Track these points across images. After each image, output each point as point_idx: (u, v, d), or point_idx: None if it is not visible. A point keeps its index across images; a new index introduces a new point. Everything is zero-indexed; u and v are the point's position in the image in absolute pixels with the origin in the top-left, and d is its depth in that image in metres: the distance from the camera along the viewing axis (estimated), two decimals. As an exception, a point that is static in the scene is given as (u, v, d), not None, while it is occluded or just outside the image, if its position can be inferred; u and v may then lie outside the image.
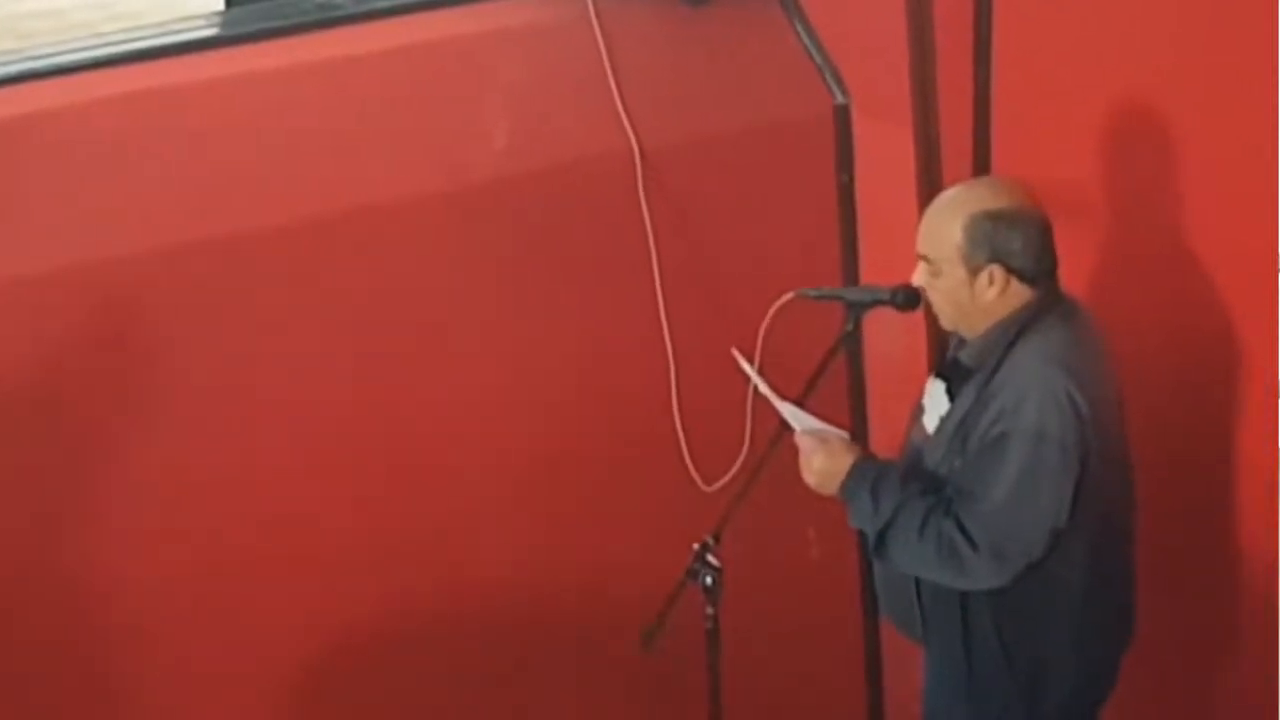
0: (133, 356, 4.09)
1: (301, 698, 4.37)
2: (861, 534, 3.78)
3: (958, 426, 3.57)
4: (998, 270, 3.52)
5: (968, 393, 3.58)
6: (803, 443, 3.66)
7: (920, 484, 3.58)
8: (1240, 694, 4.05)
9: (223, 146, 4.15)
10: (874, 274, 4.56)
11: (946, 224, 3.55)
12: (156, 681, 4.22)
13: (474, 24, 4.46)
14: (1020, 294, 3.55)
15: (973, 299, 3.56)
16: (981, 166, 4.31)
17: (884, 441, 4.35)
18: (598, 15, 4.43)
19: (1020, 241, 3.51)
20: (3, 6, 4.89)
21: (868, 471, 3.61)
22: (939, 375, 3.71)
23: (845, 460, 3.62)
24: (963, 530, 3.48)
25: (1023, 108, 4.21)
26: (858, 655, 4.91)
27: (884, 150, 4.53)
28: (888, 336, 4.45)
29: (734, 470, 4.49)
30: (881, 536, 3.58)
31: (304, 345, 4.24)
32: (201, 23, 4.42)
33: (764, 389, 3.69)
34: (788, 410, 3.68)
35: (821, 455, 3.63)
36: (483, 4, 4.50)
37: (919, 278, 3.61)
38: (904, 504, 3.55)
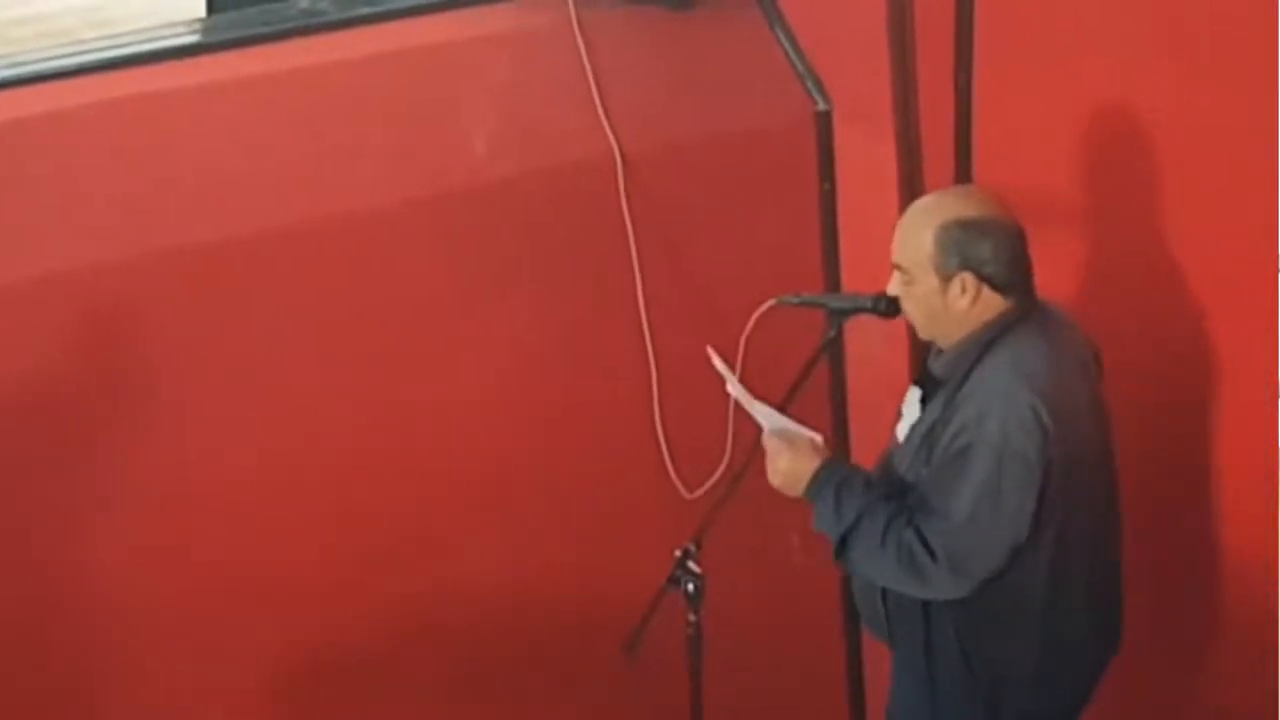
0: (113, 362, 4.08)
1: (286, 705, 4.37)
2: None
3: (924, 436, 3.57)
4: (969, 278, 3.52)
5: (936, 402, 3.58)
6: (769, 443, 3.66)
7: (885, 490, 3.58)
8: (1237, 703, 4.04)
9: (205, 153, 4.15)
10: (855, 280, 4.56)
11: (918, 232, 3.56)
12: (144, 688, 4.21)
13: (456, 30, 4.46)
14: (993, 303, 3.54)
15: (946, 308, 3.55)
16: (963, 173, 4.31)
17: (865, 448, 4.35)
18: (579, 21, 4.44)
19: (991, 249, 3.51)
20: (-16, 13, 4.89)
21: (833, 475, 3.60)
22: (917, 383, 3.72)
23: (811, 463, 3.62)
24: (923, 541, 3.48)
25: (1004, 114, 4.22)
26: (839, 661, 4.91)
27: (865, 156, 4.53)
28: (869, 343, 4.46)
29: (716, 477, 4.50)
30: (844, 541, 3.58)
31: (283, 351, 4.24)
32: (184, 29, 4.42)
33: (736, 389, 3.68)
34: (761, 411, 3.67)
35: (787, 457, 3.63)
36: (465, 10, 4.50)
37: (894, 286, 3.61)
38: (866, 510, 3.55)
